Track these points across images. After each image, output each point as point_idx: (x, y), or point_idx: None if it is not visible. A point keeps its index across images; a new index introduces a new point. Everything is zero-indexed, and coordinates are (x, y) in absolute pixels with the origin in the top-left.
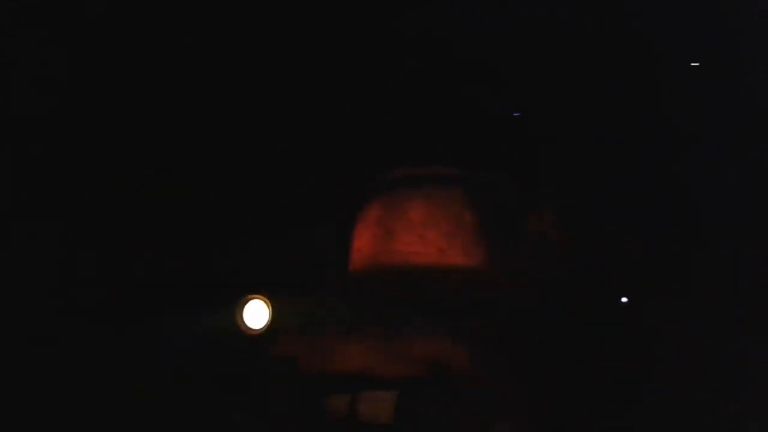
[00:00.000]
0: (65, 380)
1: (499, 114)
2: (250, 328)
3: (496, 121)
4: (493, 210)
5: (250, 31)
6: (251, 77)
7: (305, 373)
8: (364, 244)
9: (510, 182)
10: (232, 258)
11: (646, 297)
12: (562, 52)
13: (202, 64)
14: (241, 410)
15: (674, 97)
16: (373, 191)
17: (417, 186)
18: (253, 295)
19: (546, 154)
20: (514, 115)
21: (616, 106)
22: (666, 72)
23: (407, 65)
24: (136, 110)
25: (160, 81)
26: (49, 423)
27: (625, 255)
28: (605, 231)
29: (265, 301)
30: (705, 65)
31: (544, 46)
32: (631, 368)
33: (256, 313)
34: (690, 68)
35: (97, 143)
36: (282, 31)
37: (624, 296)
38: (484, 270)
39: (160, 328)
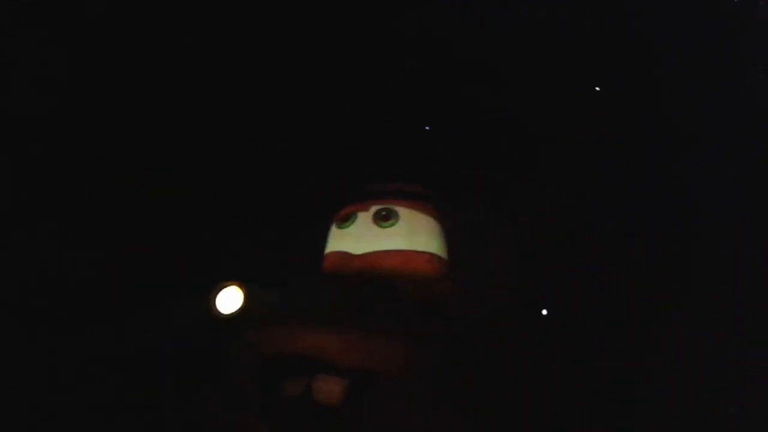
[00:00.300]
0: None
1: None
2: (222, 313)
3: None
4: (455, 226)
5: (251, 32)
6: (250, 78)
7: (267, 356)
8: (335, 245)
9: (471, 200)
10: (210, 251)
11: (645, 297)
12: (557, 53)
13: (201, 63)
14: (210, 386)
15: (671, 97)
16: (348, 198)
17: (387, 197)
18: (228, 282)
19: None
20: (426, 129)
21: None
22: (665, 72)
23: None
24: (132, 110)
25: (156, 80)
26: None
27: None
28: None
29: (239, 288)
30: (705, 65)
31: (540, 46)
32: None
33: (230, 299)
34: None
35: (98, 143)
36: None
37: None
38: (441, 279)
39: (141, 316)
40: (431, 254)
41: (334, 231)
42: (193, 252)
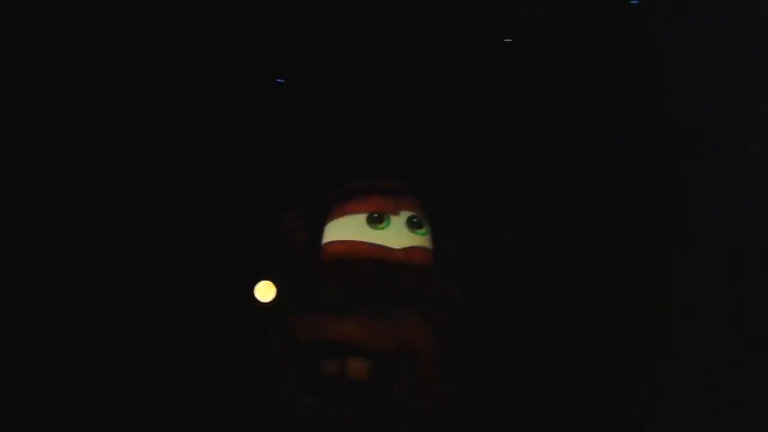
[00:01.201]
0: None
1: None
2: (260, 301)
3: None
4: (442, 219)
5: (249, 32)
6: (251, 76)
7: (304, 342)
8: (339, 238)
9: (450, 195)
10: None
11: (644, 296)
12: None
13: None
14: (252, 370)
15: (671, 97)
16: (345, 194)
17: (384, 193)
18: (263, 279)
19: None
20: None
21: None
22: (664, 72)
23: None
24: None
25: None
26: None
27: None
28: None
29: (271, 283)
30: (704, 65)
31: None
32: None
33: (265, 291)
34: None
35: (97, 143)
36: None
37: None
38: (437, 270)
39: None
40: (429, 249)
41: (364, 227)
42: (194, 249)
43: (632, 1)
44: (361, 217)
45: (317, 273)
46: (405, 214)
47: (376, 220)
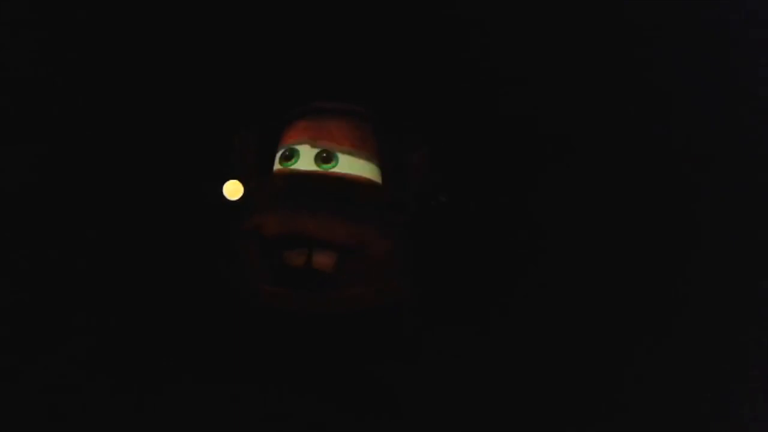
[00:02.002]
0: None
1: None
2: (228, 200)
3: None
4: (388, 143)
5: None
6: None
7: (269, 235)
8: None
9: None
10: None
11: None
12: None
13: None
14: (223, 261)
15: (670, 97)
16: (290, 117)
17: (334, 115)
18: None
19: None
20: None
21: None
22: (663, 72)
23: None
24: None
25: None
26: None
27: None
28: None
29: (238, 182)
30: (704, 64)
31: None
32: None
33: (232, 191)
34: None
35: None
36: None
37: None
38: (386, 185)
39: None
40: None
41: (278, 167)
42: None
43: None
44: (281, 151)
45: (270, 185)
46: (317, 148)
47: (287, 158)
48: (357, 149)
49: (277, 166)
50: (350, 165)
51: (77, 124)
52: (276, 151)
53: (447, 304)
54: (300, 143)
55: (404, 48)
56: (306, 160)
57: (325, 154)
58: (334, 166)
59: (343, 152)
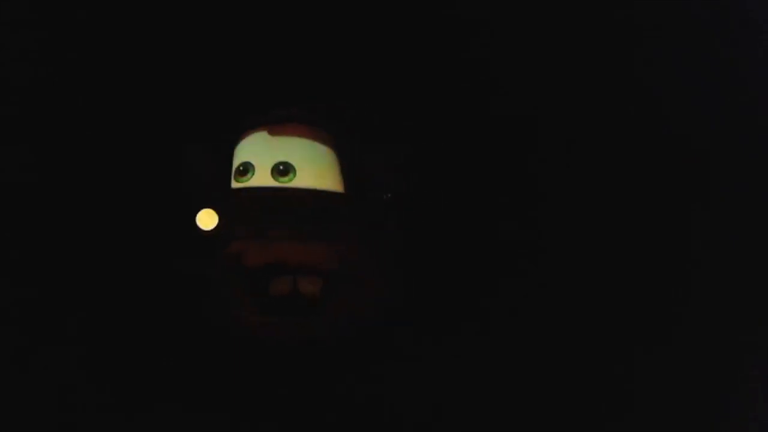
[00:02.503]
0: None
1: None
2: (203, 230)
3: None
4: (349, 146)
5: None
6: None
7: (251, 266)
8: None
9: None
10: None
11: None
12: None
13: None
14: (206, 295)
15: (669, 97)
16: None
17: (286, 122)
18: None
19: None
20: None
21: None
22: (662, 72)
23: None
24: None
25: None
26: None
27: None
28: None
29: (212, 210)
30: (704, 64)
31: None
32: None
33: (206, 220)
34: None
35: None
36: None
37: None
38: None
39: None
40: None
41: (236, 184)
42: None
43: None
44: (236, 166)
45: (235, 201)
46: (273, 161)
47: (241, 173)
48: (314, 158)
49: (234, 183)
50: (310, 176)
51: (77, 124)
52: (231, 166)
53: (446, 304)
54: (253, 155)
55: (404, 47)
56: (261, 174)
57: (281, 167)
58: (291, 180)
59: (302, 163)
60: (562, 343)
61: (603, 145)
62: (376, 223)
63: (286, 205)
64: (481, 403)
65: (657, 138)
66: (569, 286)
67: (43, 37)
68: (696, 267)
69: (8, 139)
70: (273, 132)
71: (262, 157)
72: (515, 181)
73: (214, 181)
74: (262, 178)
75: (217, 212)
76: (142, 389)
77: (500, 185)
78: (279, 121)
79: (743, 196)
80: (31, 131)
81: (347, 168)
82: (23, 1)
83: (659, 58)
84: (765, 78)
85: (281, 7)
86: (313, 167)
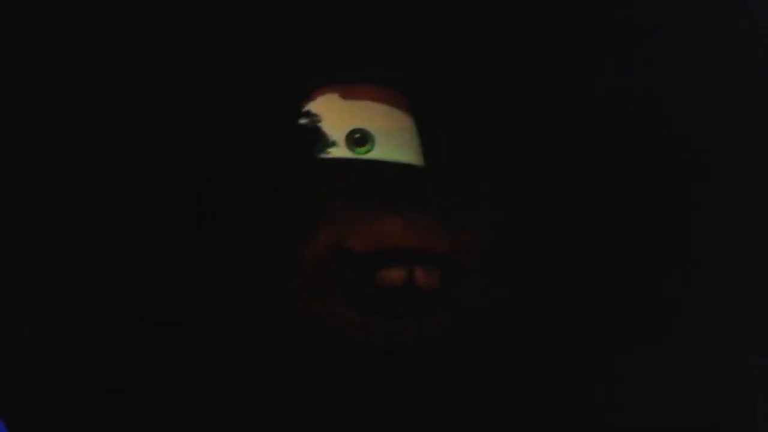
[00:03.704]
0: None
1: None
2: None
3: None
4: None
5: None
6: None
7: (357, 250)
8: None
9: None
10: None
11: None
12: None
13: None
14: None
15: (668, 97)
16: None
17: (362, 83)
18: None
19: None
20: None
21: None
22: (662, 71)
23: None
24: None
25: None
26: None
27: None
28: None
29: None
30: (703, 64)
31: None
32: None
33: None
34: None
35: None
36: None
37: None
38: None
39: None
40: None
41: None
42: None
43: None
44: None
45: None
46: (347, 127)
47: (356, 143)
48: (394, 127)
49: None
50: (389, 147)
51: (77, 124)
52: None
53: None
54: (327, 122)
55: (403, 48)
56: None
57: (357, 135)
58: (368, 151)
59: (379, 132)
60: (561, 343)
61: (603, 145)
62: (495, 204)
63: (389, 181)
64: (481, 396)
65: (657, 138)
66: (569, 286)
67: (43, 37)
68: (696, 267)
69: (8, 139)
70: (345, 94)
71: (332, 124)
72: (515, 181)
73: (295, 151)
74: (339, 150)
75: (313, 185)
76: (210, 392)
77: (500, 185)
78: (351, 81)
79: (743, 196)
80: (30, 131)
81: (426, 139)
82: (23, 1)
83: (659, 58)
84: (765, 78)
85: None
86: (393, 137)
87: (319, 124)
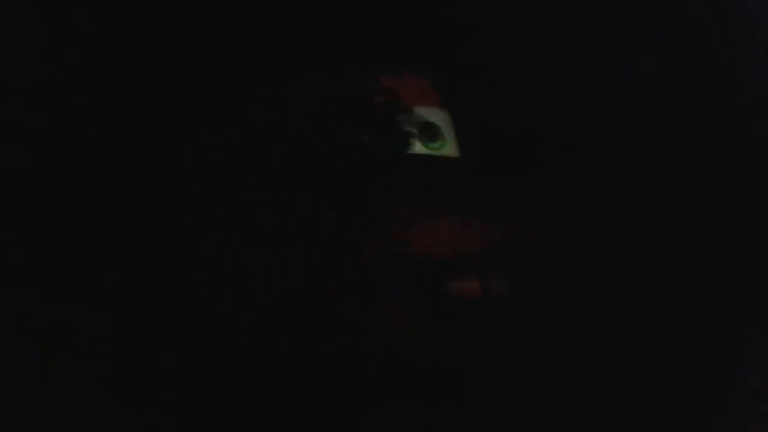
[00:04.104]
0: None
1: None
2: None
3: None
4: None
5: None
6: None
7: (434, 258)
8: None
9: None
10: None
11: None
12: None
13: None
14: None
15: (668, 97)
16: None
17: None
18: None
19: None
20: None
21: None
22: (661, 71)
23: None
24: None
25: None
26: None
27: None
28: None
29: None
30: (703, 64)
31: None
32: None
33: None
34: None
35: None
36: None
37: None
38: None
39: None
40: None
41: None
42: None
43: None
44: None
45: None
46: (417, 120)
47: (430, 138)
48: (445, 122)
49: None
50: (452, 145)
51: (77, 124)
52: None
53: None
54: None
55: (403, 48)
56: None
57: (432, 130)
58: (441, 147)
59: (445, 126)
60: (561, 342)
61: (602, 145)
62: (566, 203)
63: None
64: (481, 395)
65: (657, 138)
66: (569, 286)
67: (43, 37)
68: (696, 267)
69: (8, 139)
70: (405, 87)
71: (402, 115)
72: (514, 181)
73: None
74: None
75: (387, 185)
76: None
77: (499, 185)
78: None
79: (743, 196)
80: (30, 131)
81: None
82: (23, 1)
83: (659, 58)
84: (765, 78)
85: None
86: (449, 132)
87: (392, 116)
